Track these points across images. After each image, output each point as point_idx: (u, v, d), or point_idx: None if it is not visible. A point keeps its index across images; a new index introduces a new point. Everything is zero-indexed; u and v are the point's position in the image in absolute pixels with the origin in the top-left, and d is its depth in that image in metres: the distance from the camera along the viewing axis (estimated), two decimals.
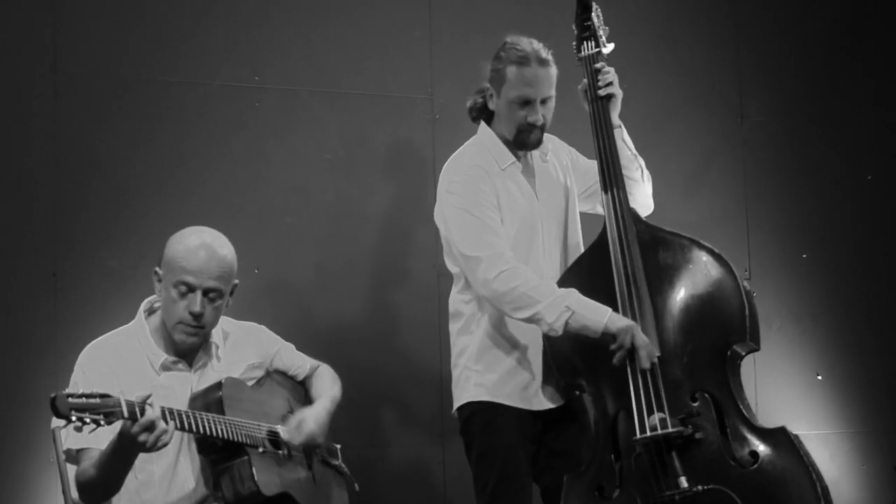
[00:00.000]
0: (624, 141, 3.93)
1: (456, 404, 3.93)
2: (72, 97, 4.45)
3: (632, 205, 3.91)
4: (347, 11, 4.87)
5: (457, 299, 3.93)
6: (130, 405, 3.23)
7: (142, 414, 3.24)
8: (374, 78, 4.87)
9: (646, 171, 4.00)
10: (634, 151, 3.97)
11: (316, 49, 4.80)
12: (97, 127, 4.49)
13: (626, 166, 3.93)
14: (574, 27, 3.98)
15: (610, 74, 3.91)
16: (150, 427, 3.24)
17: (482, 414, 3.85)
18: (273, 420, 3.73)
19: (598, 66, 3.92)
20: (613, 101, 3.91)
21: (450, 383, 3.97)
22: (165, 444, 3.29)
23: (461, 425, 3.93)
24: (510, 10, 5.01)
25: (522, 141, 3.85)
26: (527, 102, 3.80)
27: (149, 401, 3.27)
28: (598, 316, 3.64)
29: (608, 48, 3.96)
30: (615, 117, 3.93)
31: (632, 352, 3.63)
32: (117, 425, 3.36)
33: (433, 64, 4.92)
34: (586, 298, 3.67)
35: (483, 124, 3.92)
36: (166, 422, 3.29)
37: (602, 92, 3.89)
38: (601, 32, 3.95)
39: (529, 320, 3.69)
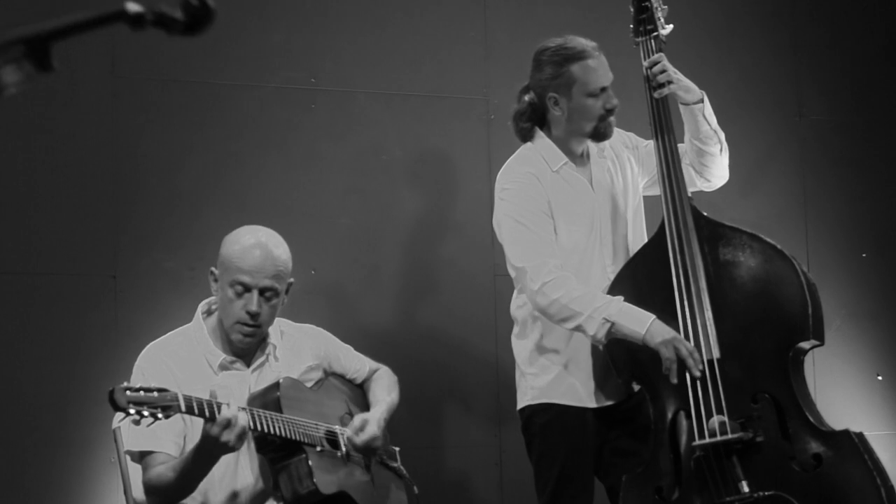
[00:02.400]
0: (705, 117, 3.83)
1: (517, 406, 3.92)
2: (130, 100, 4.47)
3: (708, 177, 3.87)
4: (402, 13, 4.85)
5: (514, 304, 3.93)
6: (188, 399, 3.24)
7: (217, 411, 3.27)
8: (429, 79, 4.85)
9: (724, 144, 3.90)
10: (715, 126, 3.86)
11: (371, 51, 4.79)
12: (155, 129, 4.50)
13: (705, 142, 3.86)
14: (631, 8, 3.91)
15: (666, 72, 3.82)
16: (229, 425, 3.26)
17: (541, 415, 3.83)
18: (331, 421, 3.71)
19: (647, 64, 3.83)
20: (674, 92, 3.83)
21: (506, 384, 3.98)
22: (240, 446, 3.32)
23: (522, 425, 3.92)
24: (564, 9, 4.98)
25: (603, 131, 3.81)
26: (603, 90, 3.76)
27: (216, 398, 3.29)
28: (638, 328, 3.60)
29: (667, 29, 3.87)
30: (691, 95, 3.83)
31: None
32: (178, 423, 3.38)
33: (488, 65, 4.90)
34: (629, 307, 3.63)
35: (538, 130, 3.87)
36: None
37: (657, 95, 3.82)
38: (659, 13, 3.86)
39: (575, 330, 3.69)
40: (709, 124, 3.84)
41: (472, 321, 4.80)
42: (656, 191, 3.88)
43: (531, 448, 3.89)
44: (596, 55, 3.77)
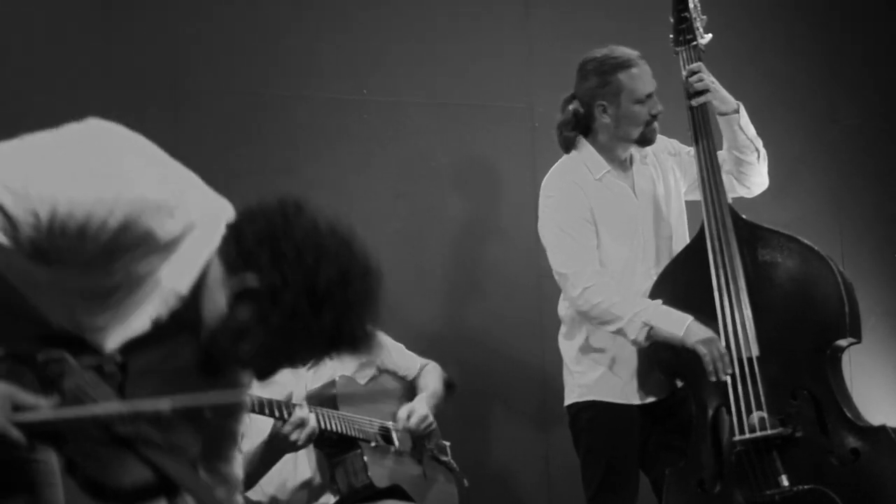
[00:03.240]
0: (741, 127, 3.88)
1: (565, 403, 3.96)
2: (191, 112, 4.53)
3: (747, 185, 3.91)
4: (448, 26, 4.89)
5: (561, 305, 3.97)
6: (259, 401, 3.30)
7: (289, 412, 3.32)
8: (475, 89, 4.89)
9: (762, 152, 3.94)
10: (752, 136, 3.91)
11: (419, 62, 4.83)
12: (215, 140, 4.55)
13: (742, 151, 3.90)
14: (671, 18, 3.96)
15: (703, 81, 3.87)
16: (301, 425, 3.33)
17: (588, 411, 3.87)
18: (384, 417, 3.77)
19: (685, 73, 3.89)
20: (711, 101, 3.88)
21: (551, 381, 4.02)
22: (306, 446, 3.39)
23: (569, 421, 3.96)
24: (605, 19, 5.00)
25: (649, 136, 3.85)
26: (649, 96, 3.81)
27: (292, 400, 3.36)
28: (675, 329, 3.64)
29: (705, 39, 3.91)
30: (726, 105, 3.88)
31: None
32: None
33: (532, 74, 4.93)
34: (667, 309, 3.67)
35: (582, 139, 3.90)
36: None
37: (695, 102, 3.87)
38: (698, 23, 3.91)
39: (616, 333, 3.73)
40: (745, 134, 3.88)
41: (518, 322, 4.83)
42: (697, 196, 3.93)
43: (578, 443, 3.93)
44: (641, 63, 3.81)
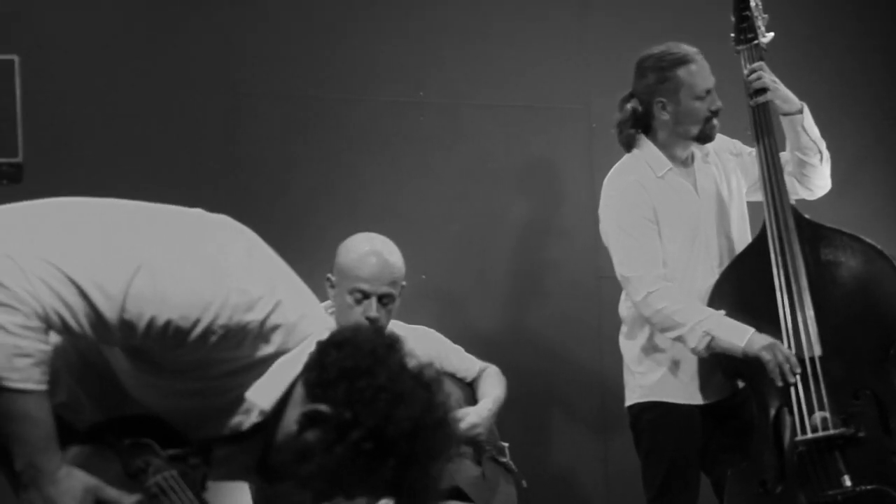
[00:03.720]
0: (804, 128, 3.83)
1: (626, 404, 3.93)
2: (248, 116, 4.55)
3: (809, 186, 3.87)
4: (504, 27, 4.87)
5: (623, 305, 3.94)
6: None
7: None
8: (532, 90, 4.87)
9: (825, 154, 3.89)
10: (815, 137, 3.85)
11: (476, 65, 4.82)
12: (272, 143, 4.57)
13: (805, 153, 3.85)
14: (732, 17, 3.92)
15: (762, 79, 3.83)
16: None
17: (649, 412, 3.84)
18: None
19: (746, 72, 3.85)
20: (772, 100, 3.84)
21: (609, 382, 4.01)
22: None
23: (630, 422, 3.93)
24: (662, 18, 4.95)
25: (708, 132, 3.81)
26: (708, 92, 3.78)
27: None
28: (737, 340, 3.61)
29: (767, 38, 3.88)
30: (789, 105, 3.84)
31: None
32: None
33: (588, 74, 4.90)
34: (729, 320, 3.64)
35: (642, 137, 3.87)
36: None
37: (755, 101, 3.83)
38: (760, 22, 3.87)
39: (676, 340, 3.70)
40: (808, 135, 3.83)
41: (577, 323, 4.81)
42: (757, 197, 3.89)
43: (639, 444, 3.90)
44: (699, 59, 3.78)
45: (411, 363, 2.14)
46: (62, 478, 2.08)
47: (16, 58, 4.16)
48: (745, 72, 3.86)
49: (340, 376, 2.10)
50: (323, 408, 2.10)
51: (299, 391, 2.15)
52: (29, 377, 2.04)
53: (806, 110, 3.84)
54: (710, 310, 3.68)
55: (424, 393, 2.13)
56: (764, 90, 3.81)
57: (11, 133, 4.12)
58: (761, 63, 3.84)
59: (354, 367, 2.11)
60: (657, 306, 3.67)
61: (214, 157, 4.52)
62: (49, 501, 2.07)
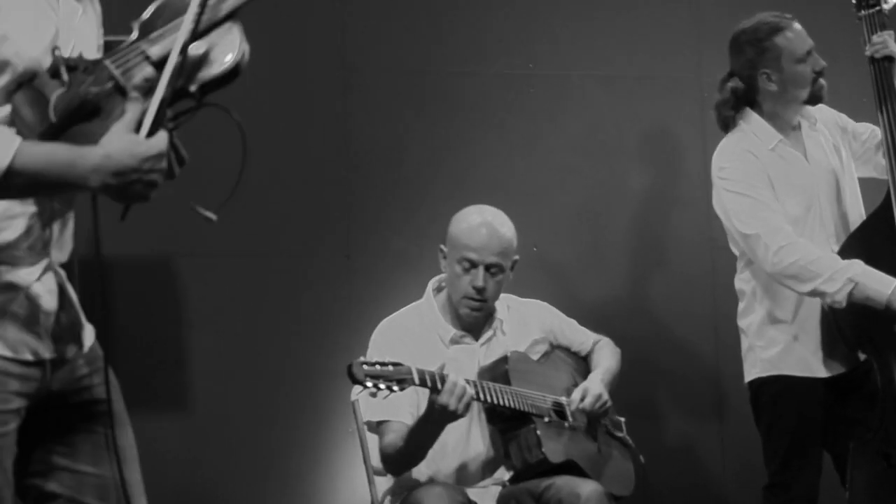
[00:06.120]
0: None
1: (745, 379, 3.80)
2: (360, 90, 4.50)
3: None
4: None
5: (739, 280, 3.80)
6: (421, 373, 3.26)
7: (442, 382, 3.26)
8: (642, 60, 4.75)
9: None
10: None
11: (586, 35, 4.71)
12: (384, 117, 4.53)
13: None
14: None
15: (889, 47, 3.66)
16: (456, 392, 3.25)
17: (770, 386, 3.70)
18: (558, 393, 3.67)
19: (868, 40, 3.71)
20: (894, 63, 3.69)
21: (725, 356, 3.91)
22: (465, 414, 3.30)
23: (750, 397, 3.80)
24: None
25: (818, 93, 3.70)
26: (809, 54, 3.68)
27: (444, 370, 3.29)
28: (882, 287, 3.44)
29: (890, 3, 3.75)
30: None
31: None
32: (412, 395, 3.35)
33: (700, 43, 4.76)
34: (871, 269, 3.47)
35: (747, 110, 3.74)
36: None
37: (879, 69, 3.68)
38: None
39: (812, 294, 3.54)
40: None
41: (691, 294, 4.68)
42: (866, 172, 3.80)
43: (759, 418, 3.78)
44: (792, 23, 3.70)
45: None
46: (113, 152, 2.01)
47: None
48: (867, 39, 3.72)
49: None
50: None
51: None
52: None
53: None
54: (848, 261, 3.52)
55: None
56: (892, 59, 3.68)
57: None
58: (891, 32, 3.71)
59: None
60: (791, 258, 3.52)
61: (326, 131, 4.49)
62: (137, 165, 2.02)
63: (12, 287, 2.11)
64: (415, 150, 4.53)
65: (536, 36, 4.65)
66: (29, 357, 2.14)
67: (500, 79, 4.61)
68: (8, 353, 2.11)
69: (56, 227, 2.18)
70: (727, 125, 3.76)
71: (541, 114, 4.64)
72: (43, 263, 2.16)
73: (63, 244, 2.22)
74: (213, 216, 2.19)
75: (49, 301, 2.17)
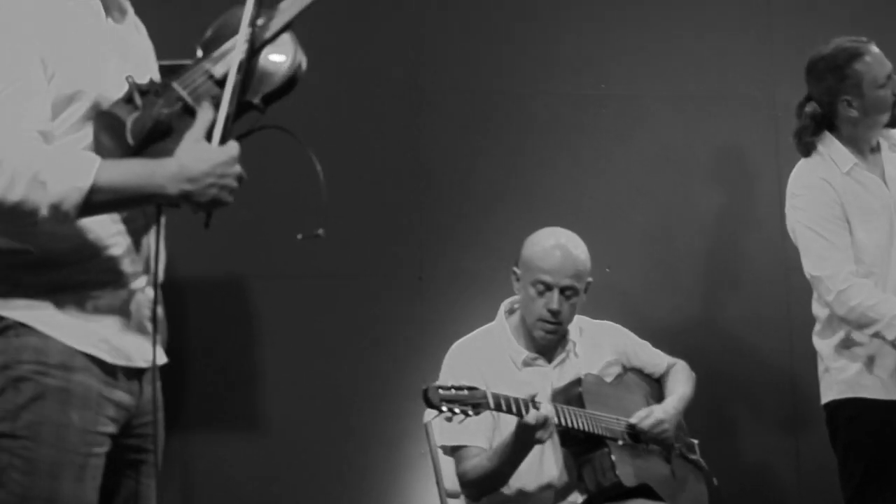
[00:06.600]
0: None
1: (822, 401, 3.75)
2: (432, 112, 4.50)
3: None
4: (685, 17, 4.72)
5: (816, 303, 3.76)
6: (496, 397, 3.24)
7: (525, 407, 3.25)
8: (715, 79, 4.70)
9: None
10: None
11: (657, 55, 4.67)
12: (456, 138, 4.52)
13: None
14: None
15: None
16: (545, 424, 3.26)
17: (847, 408, 3.65)
18: (631, 415, 3.62)
19: None
20: None
21: (799, 377, 3.92)
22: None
23: (826, 419, 3.75)
24: (850, 4, 4.73)
25: None
26: (889, 78, 3.65)
27: (537, 399, 3.28)
28: None
29: None
30: None
31: None
32: (488, 418, 3.33)
33: (773, 62, 4.70)
34: None
35: (826, 134, 3.70)
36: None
37: None
38: None
39: (874, 336, 3.53)
40: None
41: (766, 316, 4.62)
42: None
43: (836, 441, 3.72)
44: (871, 47, 3.66)
45: None
46: (186, 160, 2.14)
47: None
48: None
49: None
50: None
51: None
52: (81, 167, 2.09)
53: None
54: None
55: None
56: None
57: None
58: None
59: None
60: (851, 303, 3.52)
61: (399, 152, 4.49)
62: (210, 169, 2.14)
63: (117, 296, 2.24)
64: (486, 171, 4.51)
65: (608, 56, 4.63)
66: (126, 363, 2.26)
67: (571, 99, 4.58)
68: (107, 359, 2.22)
69: (153, 245, 2.28)
70: (808, 151, 3.72)
71: (612, 134, 4.61)
72: (145, 277, 2.29)
73: (159, 262, 2.32)
74: (321, 232, 2.34)
75: (146, 313, 2.30)
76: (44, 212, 2.07)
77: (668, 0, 4.69)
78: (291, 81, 2.32)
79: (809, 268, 3.62)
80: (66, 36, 2.18)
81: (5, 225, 2.15)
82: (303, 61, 2.33)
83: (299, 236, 2.35)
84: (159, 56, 2.47)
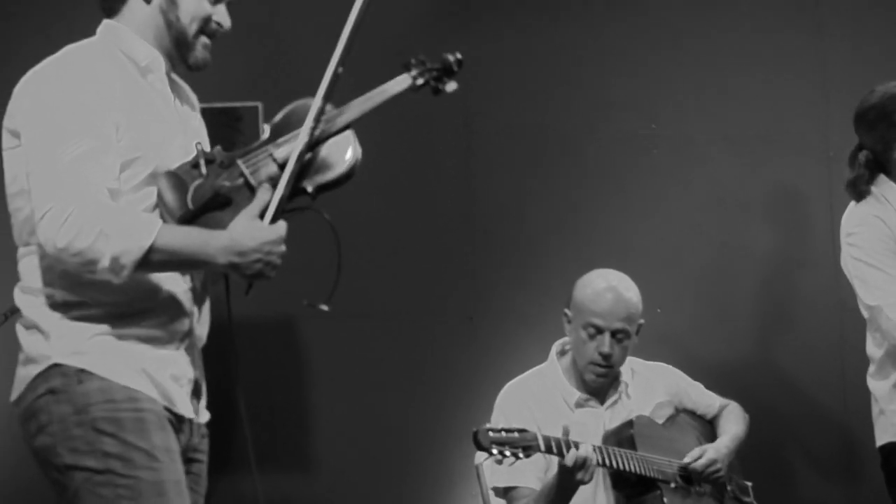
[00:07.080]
0: None
1: (877, 443, 3.67)
2: (483, 152, 4.51)
3: None
4: (737, 56, 4.68)
5: (870, 343, 3.69)
6: (547, 439, 3.23)
7: (567, 448, 3.24)
8: (766, 119, 4.65)
9: None
10: None
11: (709, 94, 4.65)
12: (506, 178, 4.52)
13: None
14: None
15: None
16: (584, 465, 3.24)
17: None
18: (684, 457, 3.58)
19: None
20: None
21: (854, 419, 3.86)
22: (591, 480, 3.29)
23: (882, 462, 3.67)
24: None
25: None
26: None
27: (570, 435, 3.27)
28: None
29: None
30: None
31: None
32: (539, 459, 3.31)
33: (826, 102, 4.65)
34: None
35: (880, 176, 3.64)
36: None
37: None
38: None
39: None
40: None
41: (819, 357, 4.56)
42: None
43: (892, 484, 3.64)
44: None
45: None
46: (238, 235, 2.30)
47: (260, 105, 4.40)
48: None
49: None
50: None
51: None
52: (144, 227, 2.25)
53: None
54: None
55: None
56: None
57: None
58: None
59: None
60: None
61: (450, 193, 4.51)
62: (258, 246, 2.30)
63: (165, 351, 2.40)
64: (537, 211, 4.51)
65: (659, 95, 4.61)
66: (179, 411, 2.41)
67: (622, 139, 4.57)
68: (158, 398, 2.38)
69: (198, 306, 2.47)
70: (862, 196, 3.66)
71: (664, 174, 4.59)
72: (189, 338, 2.45)
73: (203, 322, 2.50)
74: (324, 307, 2.50)
75: (189, 371, 2.46)
76: (105, 262, 2.21)
77: (720, 40, 4.66)
78: (347, 176, 2.49)
79: (867, 298, 3.55)
80: (136, 107, 2.36)
81: (67, 271, 2.28)
82: (359, 156, 2.50)
83: (305, 302, 2.53)
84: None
